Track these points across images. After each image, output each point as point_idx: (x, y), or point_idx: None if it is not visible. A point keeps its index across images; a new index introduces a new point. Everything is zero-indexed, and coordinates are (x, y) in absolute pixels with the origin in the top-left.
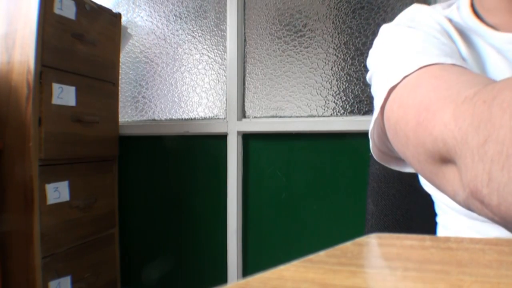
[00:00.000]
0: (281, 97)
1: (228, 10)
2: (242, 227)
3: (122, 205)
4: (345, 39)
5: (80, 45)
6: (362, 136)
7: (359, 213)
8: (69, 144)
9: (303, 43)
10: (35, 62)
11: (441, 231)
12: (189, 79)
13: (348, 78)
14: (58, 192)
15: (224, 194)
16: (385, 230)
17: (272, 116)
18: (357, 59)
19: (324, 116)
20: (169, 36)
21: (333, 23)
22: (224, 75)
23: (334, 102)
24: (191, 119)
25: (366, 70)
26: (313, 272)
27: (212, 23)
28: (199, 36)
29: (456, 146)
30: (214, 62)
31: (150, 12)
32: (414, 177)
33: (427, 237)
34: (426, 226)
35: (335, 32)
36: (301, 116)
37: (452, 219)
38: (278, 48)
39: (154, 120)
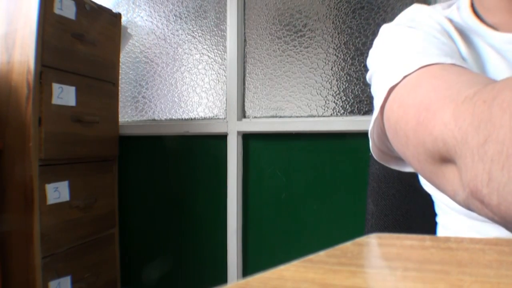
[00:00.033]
0: (281, 97)
1: (228, 10)
2: (242, 227)
3: (122, 205)
4: (345, 39)
5: (80, 45)
6: (362, 136)
7: (359, 213)
8: (69, 144)
9: (303, 43)
10: (35, 62)
11: (441, 231)
12: (189, 79)
13: (348, 78)
14: (58, 192)
15: (224, 194)
16: (385, 230)
17: (272, 116)
18: (357, 59)
19: (324, 116)
20: (169, 36)
21: (333, 23)
22: (224, 75)
23: (334, 102)
24: (191, 119)
25: (366, 70)
26: (313, 272)
27: (212, 23)
28: (199, 36)
29: (456, 146)
30: (214, 62)
31: (150, 12)
32: (414, 177)
33: (427, 237)
34: (426, 226)
35: (335, 32)
36: (301, 116)
37: (452, 219)
38: (278, 48)
39: (154, 120)
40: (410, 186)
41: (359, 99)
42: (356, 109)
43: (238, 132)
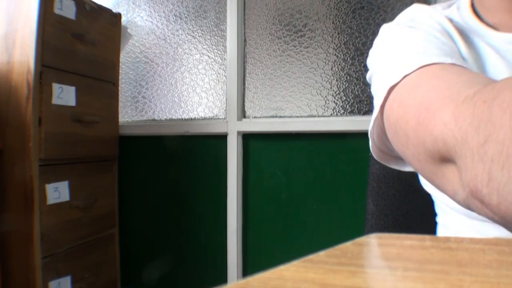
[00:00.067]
0: (281, 97)
1: (228, 10)
2: (242, 227)
3: (122, 205)
4: (345, 39)
5: (80, 45)
6: (362, 136)
7: (359, 213)
8: (69, 144)
9: (303, 43)
10: (35, 62)
11: (441, 231)
12: (189, 79)
13: (348, 78)
14: (58, 192)
15: (224, 194)
16: (385, 230)
17: (272, 116)
18: (357, 59)
19: (324, 116)
20: (169, 36)
21: (333, 23)
22: (224, 75)
23: (334, 102)
24: (191, 119)
25: (366, 70)
26: (313, 272)
27: (212, 23)
28: (199, 36)
29: (456, 146)
30: (214, 62)
31: (150, 12)
32: (414, 177)
33: (427, 237)
34: (426, 226)
35: (335, 32)
36: (301, 116)
37: (452, 219)
38: (278, 48)
39: (154, 120)
40: (410, 186)
41: (359, 99)
42: (356, 109)
43: (238, 132)
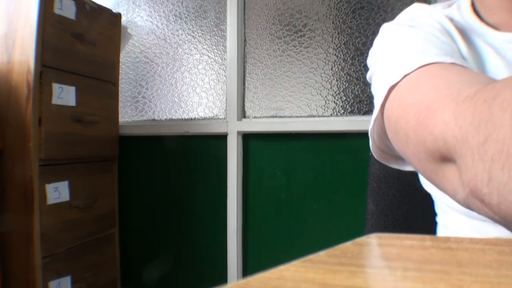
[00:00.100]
0: (281, 97)
1: (228, 10)
2: (242, 227)
3: (122, 205)
4: (345, 39)
5: (80, 45)
6: (362, 136)
7: (359, 213)
8: (69, 144)
9: (303, 43)
10: (35, 62)
11: (441, 231)
12: (189, 79)
13: (348, 78)
14: (58, 192)
15: (224, 194)
16: (385, 230)
17: (272, 116)
18: (357, 59)
19: (324, 116)
20: (169, 36)
21: (333, 23)
22: (224, 75)
23: (334, 102)
24: (191, 119)
25: (366, 70)
26: (313, 272)
27: (212, 23)
28: (199, 36)
29: (457, 145)
30: (214, 62)
31: (150, 12)
32: (414, 177)
33: (427, 237)
34: (426, 226)
35: (335, 32)
36: (301, 116)
37: (452, 219)
38: (278, 48)
39: (154, 120)
40: (410, 186)
41: (359, 99)
42: (356, 109)
43: (238, 132)
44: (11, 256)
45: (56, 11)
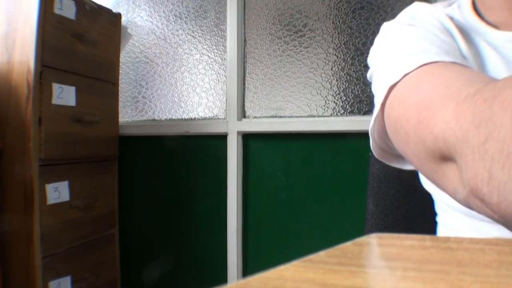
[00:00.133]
0: (281, 97)
1: (228, 10)
2: (242, 227)
3: (122, 205)
4: (345, 39)
5: (80, 45)
6: (362, 136)
7: (359, 213)
8: (69, 144)
9: (303, 43)
10: (35, 62)
11: (441, 231)
12: (189, 79)
13: (348, 78)
14: (58, 192)
15: (224, 194)
16: (385, 230)
17: (272, 116)
18: (357, 59)
19: (324, 116)
20: (169, 36)
21: (333, 23)
22: (224, 75)
23: (334, 102)
24: (191, 119)
25: (366, 70)
26: (313, 272)
27: (212, 23)
28: (199, 36)
29: (457, 144)
30: (214, 62)
31: (150, 12)
32: (414, 177)
33: (427, 237)
34: (426, 226)
35: (335, 32)
36: (301, 116)
37: (452, 219)
38: (278, 48)
39: (154, 120)
40: (410, 186)
41: (359, 99)
42: (356, 109)
43: (238, 132)
44: (11, 256)
45: (56, 11)
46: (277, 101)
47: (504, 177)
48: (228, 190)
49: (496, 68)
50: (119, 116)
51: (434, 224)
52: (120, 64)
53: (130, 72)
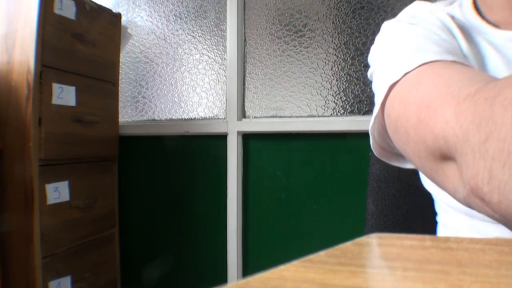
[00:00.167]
0: (281, 97)
1: (228, 10)
2: (242, 227)
3: (122, 205)
4: (345, 39)
5: (80, 45)
6: (362, 136)
7: (359, 213)
8: (69, 144)
9: (303, 43)
10: (35, 62)
11: (441, 230)
12: (189, 79)
13: (348, 78)
14: (58, 192)
15: (224, 194)
16: (385, 230)
17: (272, 116)
18: (357, 59)
19: (324, 116)
20: (169, 36)
21: (333, 23)
22: (224, 75)
23: (334, 102)
24: (191, 119)
25: (366, 70)
26: (313, 272)
27: (212, 23)
28: (199, 36)
29: (457, 144)
30: (214, 62)
31: (150, 12)
32: (414, 176)
33: (427, 237)
34: (426, 226)
35: (335, 32)
36: (301, 116)
37: (452, 218)
38: (278, 48)
39: (154, 120)
40: (410, 186)
41: (359, 99)
42: (356, 109)
43: (238, 132)
44: (11, 256)
45: (56, 11)
46: (277, 101)
47: (505, 176)
48: (228, 190)
49: (497, 67)
50: (119, 116)
51: (434, 224)
52: (120, 64)
53: (130, 72)
